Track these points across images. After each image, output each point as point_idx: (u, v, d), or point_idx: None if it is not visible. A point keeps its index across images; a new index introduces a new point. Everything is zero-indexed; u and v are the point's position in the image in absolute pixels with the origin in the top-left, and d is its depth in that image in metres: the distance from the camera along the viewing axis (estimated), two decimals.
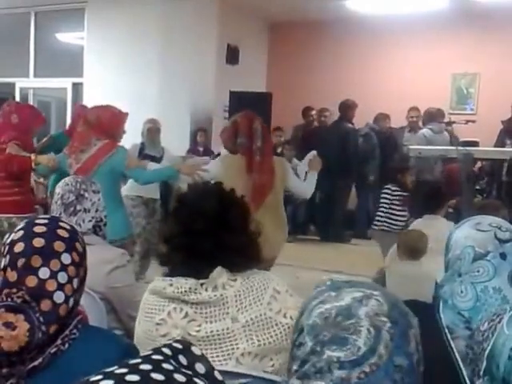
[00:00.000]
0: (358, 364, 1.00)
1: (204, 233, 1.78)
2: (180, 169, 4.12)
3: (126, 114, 4.34)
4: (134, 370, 0.74)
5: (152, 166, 4.60)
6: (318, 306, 1.09)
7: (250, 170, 3.84)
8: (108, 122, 4.14)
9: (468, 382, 1.39)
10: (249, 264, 1.81)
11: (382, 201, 5.95)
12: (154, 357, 0.78)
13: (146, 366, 0.75)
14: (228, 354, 1.67)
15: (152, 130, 6.13)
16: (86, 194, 2.62)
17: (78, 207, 2.59)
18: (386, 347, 1.01)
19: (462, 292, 1.53)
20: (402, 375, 1.00)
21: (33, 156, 4.41)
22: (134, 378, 0.72)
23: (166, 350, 0.80)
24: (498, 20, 8.50)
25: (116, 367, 0.75)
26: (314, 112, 8.85)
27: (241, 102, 8.59)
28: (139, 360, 0.77)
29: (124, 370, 0.74)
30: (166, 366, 0.76)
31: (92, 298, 2.30)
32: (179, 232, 1.83)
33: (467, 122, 7.89)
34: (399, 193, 5.88)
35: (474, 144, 7.65)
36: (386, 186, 6.00)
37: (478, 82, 9.19)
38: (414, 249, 4.03)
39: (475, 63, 8.96)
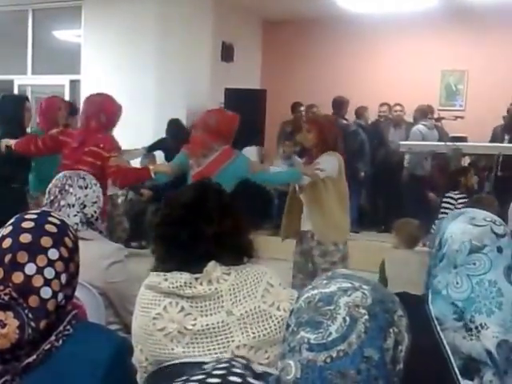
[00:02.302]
0: (325, 348, 1.02)
1: (180, 222, 1.80)
2: (302, 170, 4.27)
3: (238, 116, 4.33)
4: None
5: (275, 168, 4.57)
6: (307, 291, 1.12)
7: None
8: (226, 128, 4.18)
9: (458, 372, 1.43)
10: (226, 254, 1.80)
11: (442, 211, 5.41)
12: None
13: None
14: (224, 347, 1.68)
15: None
16: (71, 190, 2.58)
17: (62, 202, 2.56)
18: (359, 337, 1.02)
19: (457, 283, 1.54)
20: (368, 367, 1.01)
21: (151, 166, 4.32)
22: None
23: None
24: (485, 18, 8.56)
25: None
26: (302, 108, 8.85)
27: (236, 98, 8.63)
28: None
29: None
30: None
31: (90, 293, 2.32)
32: (159, 222, 1.86)
33: (456, 117, 8.05)
34: (463, 200, 5.37)
35: (463, 139, 7.82)
36: (448, 195, 5.51)
37: (467, 79, 9.27)
38: (413, 238, 4.16)
39: (463, 60, 9.04)
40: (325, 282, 1.12)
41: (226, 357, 0.96)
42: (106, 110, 4.39)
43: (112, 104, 4.49)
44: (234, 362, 0.91)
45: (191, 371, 1.57)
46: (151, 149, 7.04)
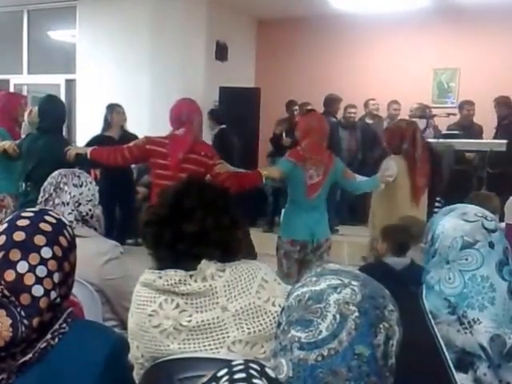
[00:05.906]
0: (316, 346, 1.03)
1: (163, 221, 1.79)
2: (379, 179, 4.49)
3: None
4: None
5: (359, 177, 4.64)
6: (297, 289, 1.12)
7: (411, 173, 4.47)
8: (327, 132, 4.34)
9: (451, 365, 1.46)
10: (211, 252, 1.78)
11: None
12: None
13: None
14: (219, 343, 1.69)
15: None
16: (66, 188, 2.56)
17: (57, 200, 2.55)
18: (349, 334, 1.02)
19: (449, 279, 1.55)
20: (359, 363, 1.01)
21: (264, 171, 4.10)
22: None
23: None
24: (476, 17, 8.65)
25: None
26: (296, 106, 8.90)
27: (230, 97, 8.71)
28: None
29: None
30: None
31: (87, 290, 2.34)
32: (146, 221, 1.85)
33: (448, 114, 8.07)
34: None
35: (455, 136, 7.87)
36: (437, 199, 5.42)
37: (458, 77, 9.33)
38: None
39: (455, 58, 9.09)
40: (314, 279, 1.12)
41: (239, 362, 0.96)
42: (197, 116, 4.10)
43: (199, 109, 4.19)
44: (251, 370, 0.92)
45: (187, 367, 1.64)
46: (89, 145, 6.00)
